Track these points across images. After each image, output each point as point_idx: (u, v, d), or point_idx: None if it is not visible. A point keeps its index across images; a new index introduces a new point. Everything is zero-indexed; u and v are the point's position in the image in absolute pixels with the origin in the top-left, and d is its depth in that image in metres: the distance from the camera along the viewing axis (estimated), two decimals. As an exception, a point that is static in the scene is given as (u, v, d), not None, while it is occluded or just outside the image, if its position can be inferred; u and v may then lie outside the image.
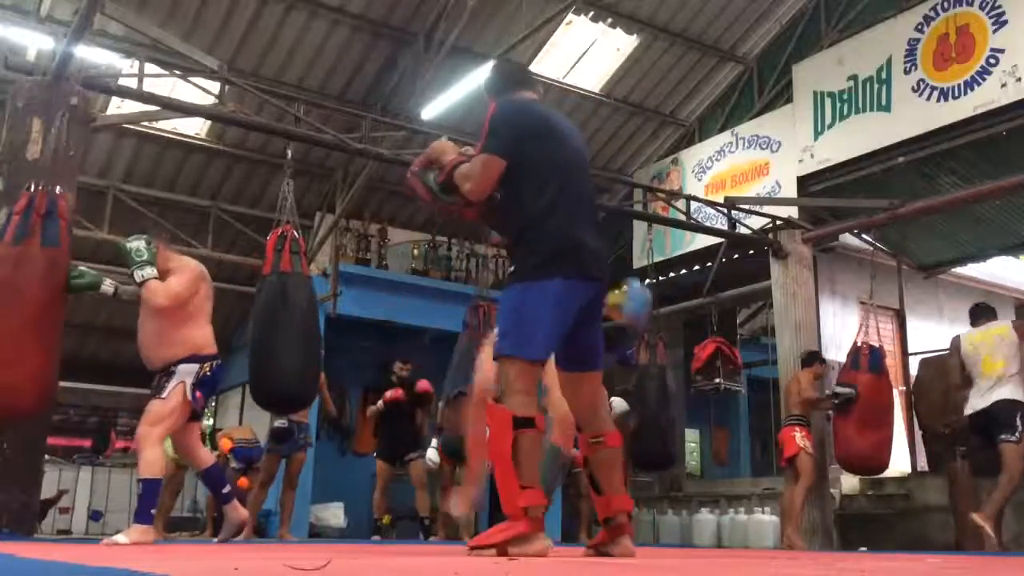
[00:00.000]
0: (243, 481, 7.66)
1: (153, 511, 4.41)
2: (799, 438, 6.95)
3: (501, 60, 3.37)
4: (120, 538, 4.18)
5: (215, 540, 5.49)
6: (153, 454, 4.26)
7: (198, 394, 4.41)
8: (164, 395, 4.33)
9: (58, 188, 4.56)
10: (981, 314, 6.46)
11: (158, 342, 4.45)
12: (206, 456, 4.72)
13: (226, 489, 4.76)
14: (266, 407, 5.66)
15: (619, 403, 7.53)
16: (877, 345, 7.22)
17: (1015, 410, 5.85)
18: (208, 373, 4.46)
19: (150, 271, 4.31)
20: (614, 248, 11.61)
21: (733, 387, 9.50)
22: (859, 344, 7.21)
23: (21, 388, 4.32)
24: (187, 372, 4.40)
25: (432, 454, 7.67)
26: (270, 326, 5.12)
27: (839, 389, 7.14)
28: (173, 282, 4.39)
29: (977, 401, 6.06)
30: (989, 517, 5.73)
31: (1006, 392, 5.91)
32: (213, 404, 11.93)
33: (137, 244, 4.36)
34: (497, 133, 3.02)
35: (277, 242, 5.27)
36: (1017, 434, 5.80)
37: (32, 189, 4.49)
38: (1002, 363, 6.00)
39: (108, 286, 4.50)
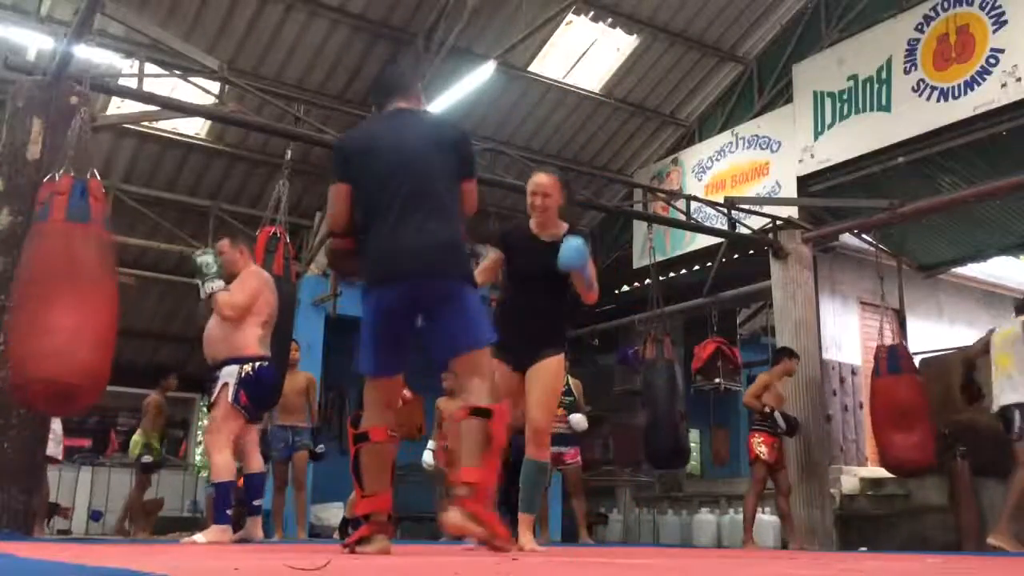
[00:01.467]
0: (243, 481, 7.74)
1: (229, 511, 4.50)
2: (756, 444, 6.95)
3: (386, 68, 3.52)
4: (199, 538, 4.35)
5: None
6: (220, 459, 4.46)
7: (242, 395, 4.48)
8: (213, 399, 4.53)
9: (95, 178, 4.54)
10: (1020, 309, 6.16)
11: (209, 342, 4.65)
12: (257, 462, 4.85)
13: (258, 502, 4.82)
14: None
15: (578, 420, 7.46)
16: (894, 344, 7.19)
17: (1011, 412, 5.70)
18: (250, 373, 4.50)
19: (218, 284, 4.52)
20: (614, 248, 11.64)
21: (733, 387, 9.51)
22: (879, 347, 7.18)
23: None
24: (228, 374, 4.52)
25: (428, 456, 7.67)
26: None
27: (777, 416, 6.99)
28: (237, 294, 4.58)
29: (998, 398, 5.88)
30: (1002, 532, 5.56)
31: (1012, 396, 5.72)
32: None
33: (206, 259, 4.56)
34: (334, 161, 3.23)
35: (269, 242, 5.26)
36: (1016, 431, 5.67)
37: (79, 176, 4.46)
38: (1008, 361, 5.83)
39: (212, 285, 4.54)
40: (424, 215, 3.09)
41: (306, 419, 7.20)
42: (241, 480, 4.90)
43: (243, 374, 4.49)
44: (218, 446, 4.48)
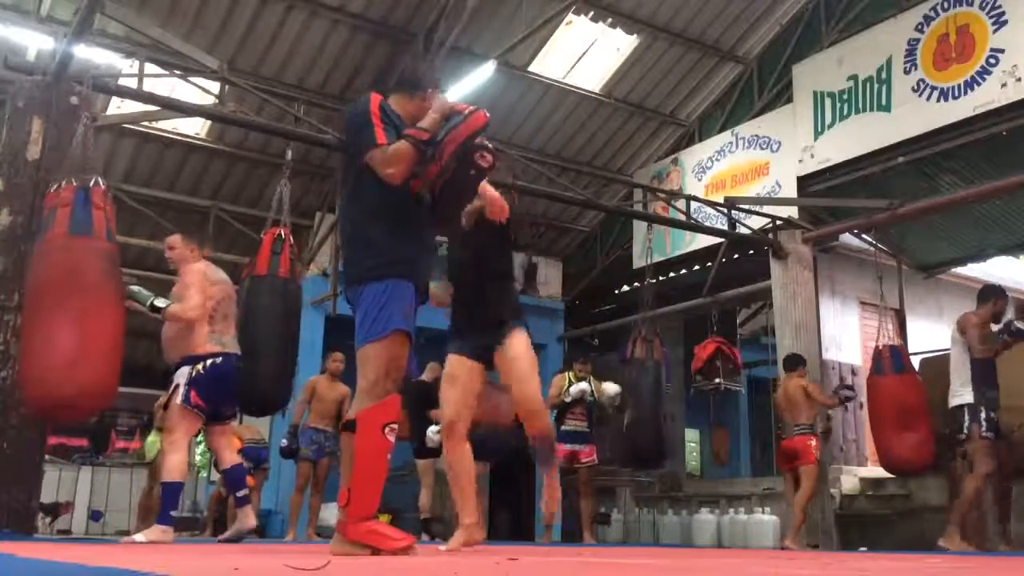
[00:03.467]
0: (249, 480, 7.80)
1: (173, 512, 4.50)
2: (815, 448, 6.91)
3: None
4: (138, 537, 4.34)
5: (217, 539, 5.54)
6: (171, 459, 4.45)
7: (192, 393, 4.46)
8: (166, 401, 4.57)
9: (92, 181, 4.48)
10: (981, 298, 6.17)
11: (165, 346, 4.65)
12: (230, 456, 4.87)
13: (243, 492, 4.84)
14: (243, 408, 5.65)
15: (611, 389, 7.63)
16: (895, 344, 7.19)
17: (960, 414, 5.80)
18: (201, 372, 4.49)
19: (161, 300, 4.53)
20: (614, 248, 11.64)
21: (733, 387, 9.50)
22: (880, 347, 7.18)
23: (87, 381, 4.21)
24: (180, 375, 4.53)
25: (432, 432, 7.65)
26: (265, 329, 5.07)
27: (845, 392, 7.17)
28: (187, 299, 4.54)
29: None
30: (952, 536, 5.63)
31: (955, 400, 5.85)
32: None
33: (136, 288, 4.61)
34: None
35: (275, 244, 5.24)
36: (964, 432, 5.73)
37: (81, 184, 4.41)
38: (952, 362, 5.93)
39: (160, 301, 4.52)
40: (340, 221, 3.18)
41: (334, 426, 7.34)
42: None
43: (193, 373, 4.50)
44: (173, 446, 4.48)
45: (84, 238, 4.30)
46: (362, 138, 2.98)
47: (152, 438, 8.36)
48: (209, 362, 4.53)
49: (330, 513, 9.98)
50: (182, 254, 4.74)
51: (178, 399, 4.48)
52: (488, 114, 3.08)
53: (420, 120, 3.11)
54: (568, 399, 7.53)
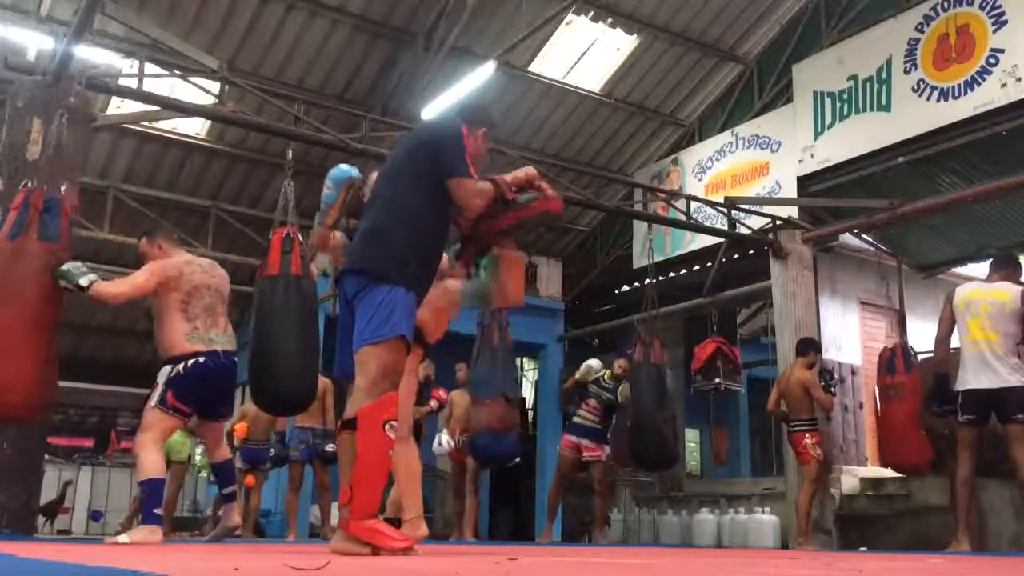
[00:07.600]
0: (249, 480, 7.80)
1: (157, 511, 4.38)
2: (811, 446, 6.87)
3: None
4: (122, 538, 4.24)
5: (205, 539, 5.53)
6: (145, 457, 4.33)
7: (168, 395, 4.34)
8: (150, 402, 4.39)
9: (63, 186, 4.49)
10: (995, 268, 5.79)
11: (157, 347, 4.54)
12: (223, 452, 4.82)
13: (229, 490, 4.78)
14: (268, 409, 5.62)
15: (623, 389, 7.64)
16: (904, 344, 7.18)
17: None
18: (180, 373, 4.36)
19: (91, 276, 4.31)
20: (614, 248, 11.65)
21: (733, 387, 9.49)
22: (891, 347, 7.15)
23: (11, 387, 4.17)
24: (161, 375, 4.42)
25: (443, 439, 7.68)
26: (281, 328, 5.02)
27: (829, 381, 7.20)
28: (118, 283, 4.43)
29: (969, 378, 5.56)
30: (962, 538, 5.51)
31: (1015, 379, 5.37)
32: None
33: (69, 266, 4.35)
34: None
35: (284, 243, 5.22)
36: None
37: (29, 186, 4.41)
38: (994, 336, 5.44)
39: (85, 280, 4.28)
40: (370, 215, 3.18)
41: (322, 422, 7.30)
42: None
43: (172, 374, 4.37)
44: (145, 446, 4.34)
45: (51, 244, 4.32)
46: (450, 159, 3.10)
47: (178, 438, 8.29)
48: (190, 362, 4.37)
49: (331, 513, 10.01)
50: (151, 253, 4.61)
51: (152, 401, 4.35)
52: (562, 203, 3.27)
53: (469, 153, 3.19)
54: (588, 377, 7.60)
